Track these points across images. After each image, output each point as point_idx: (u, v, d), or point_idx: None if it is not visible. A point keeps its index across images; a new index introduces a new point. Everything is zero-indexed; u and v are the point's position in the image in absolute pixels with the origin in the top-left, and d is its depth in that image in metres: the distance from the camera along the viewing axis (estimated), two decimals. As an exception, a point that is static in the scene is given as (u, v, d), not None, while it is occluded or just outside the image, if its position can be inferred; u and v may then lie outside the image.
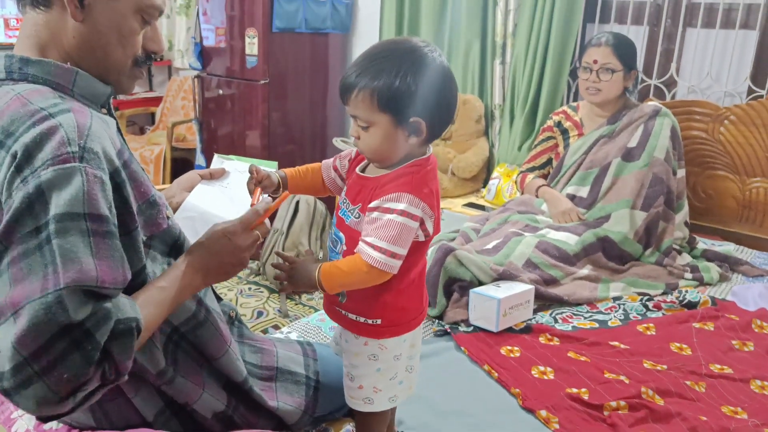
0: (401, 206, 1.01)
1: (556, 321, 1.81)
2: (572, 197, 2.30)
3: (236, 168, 1.31)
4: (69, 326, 0.77)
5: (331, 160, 1.22)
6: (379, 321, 1.11)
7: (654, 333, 1.76)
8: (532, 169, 2.54)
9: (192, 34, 4.00)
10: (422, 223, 1.05)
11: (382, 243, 1.01)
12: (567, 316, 1.85)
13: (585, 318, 1.84)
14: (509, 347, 1.63)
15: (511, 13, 3.01)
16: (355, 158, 1.18)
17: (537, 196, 2.40)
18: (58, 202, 0.79)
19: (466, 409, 1.40)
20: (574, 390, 1.44)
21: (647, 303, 1.93)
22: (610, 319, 1.84)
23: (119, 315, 0.82)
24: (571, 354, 1.61)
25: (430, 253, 1.85)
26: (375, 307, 1.10)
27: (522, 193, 2.52)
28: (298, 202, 3.17)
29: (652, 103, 2.36)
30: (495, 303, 1.68)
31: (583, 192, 2.28)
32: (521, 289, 1.77)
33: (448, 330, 1.72)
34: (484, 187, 3.19)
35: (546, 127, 2.51)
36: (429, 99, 1.02)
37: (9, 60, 0.93)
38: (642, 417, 1.37)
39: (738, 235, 2.52)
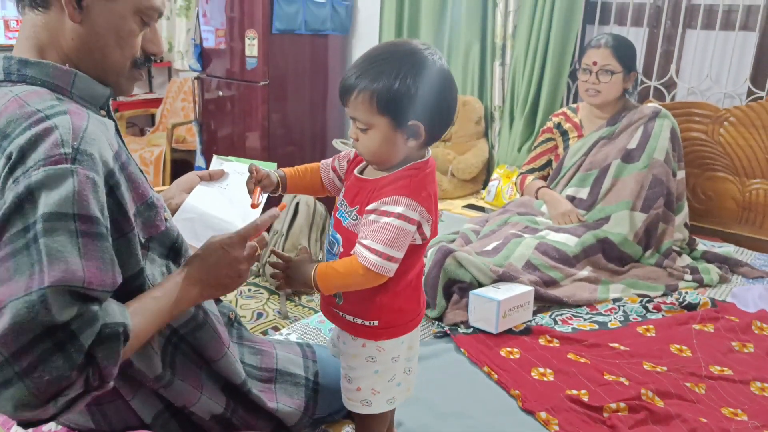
0: (399, 209, 1.01)
1: (555, 322, 1.81)
2: (572, 199, 2.30)
3: (235, 169, 1.31)
4: (53, 327, 0.75)
5: (330, 160, 1.22)
6: (376, 323, 1.11)
7: (654, 334, 1.76)
8: (531, 171, 2.54)
9: (192, 35, 4.00)
10: (419, 227, 1.05)
11: (379, 246, 1.01)
12: (567, 317, 1.84)
13: (585, 319, 1.84)
14: (509, 349, 1.63)
15: (511, 15, 3.01)
16: (353, 159, 1.18)
17: (537, 198, 2.40)
18: (47, 202, 0.78)
19: (465, 410, 1.40)
20: (574, 392, 1.44)
21: (647, 304, 1.93)
22: (610, 321, 1.84)
23: (107, 319, 0.81)
24: (570, 356, 1.61)
25: (430, 254, 1.85)
26: (372, 309, 1.10)
27: (522, 195, 2.52)
28: (297, 204, 3.17)
29: (652, 105, 2.36)
30: (495, 305, 1.68)
31: (583, 193, 2.28)
32: (521, 290, 1.77)
33: (448, 332, 1.72)
34: (483, 188, 3.19)
35: (546, 129, 2.51)
36: (428, 103, 1.02)
37: (7, 61, 0.93)
38: (642, 419, 1.37)
39: (738, 237, 2.52)
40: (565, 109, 2.50)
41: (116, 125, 1.01)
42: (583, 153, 2.32)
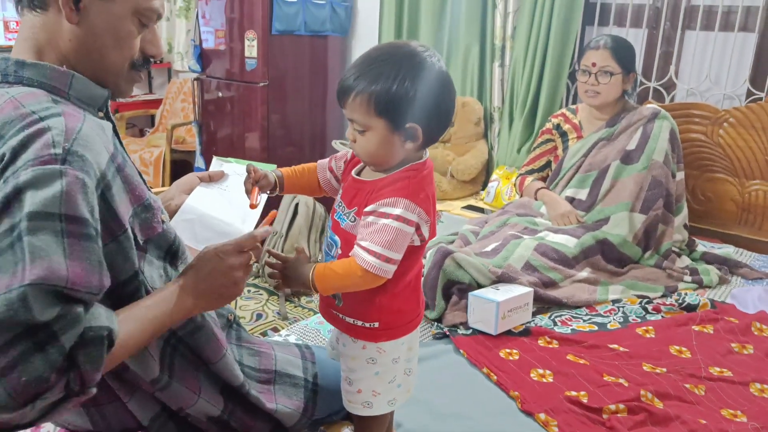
0: (397, 211, 1.01)
1: (555, 324, 1.81)
2: (571, 200, 2.30)
3: (235, 171, 1.31)
4: (33, 327, 0.73)
5: (327, 160, 1.22)
6: (376, 324, 1.10)
7: (653, 336, 1.76)
8: (531, 172, 2.54)
9: (192, 36, 4.00)
10: (418, 228, 1.05)
11: (377, 247, 1.00)
12: (566, 318, 1.84)
13: (584, 321, 1.84)
14: (508, 350, 1.63)
15: (510, 16, 3.01)
16: (350, 160, 1.18)
17: (536, 199, 2.40)
18: (33, 201, 0.77)
19: (464, 412, 1.40)
20: (573, 393, 1.44)
21: (646, 306, 1.93)
22: (609, 322, 1.83)
23: (92, 322, 0.79)
24: (570, 357, 1.61)
25: (429, 255, 1.85)
26: (372, 311, 1.10)
27: (521, 196, 2.53)
28: (297, 205, 3.17)
29: (651, 106, 2.36)
30: (494, 306, 1.68)
31: (582, 195, 2.28)
32: (520, 291, 1.76)
33: (447, 333, 1.72)
34: (483, 189, 3.19)
35: (545, 130, 2.51)
36: (426, 105, 1.02)
37: (4, 63, 0.93)
38: (641, 420, 1.36)
39: (737, 238, 2.51)
40: (564, 110, 2.50)
41: (114, 127, 1.01)
42: (583, 154, 2.32)
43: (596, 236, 2.11)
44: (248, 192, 1.14)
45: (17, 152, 0.81)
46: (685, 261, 2.22)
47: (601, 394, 1.44)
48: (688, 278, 2.11)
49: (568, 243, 2.07)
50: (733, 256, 2.30)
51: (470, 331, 1.72)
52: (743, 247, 2.46)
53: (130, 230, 0.92)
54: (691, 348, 1.68)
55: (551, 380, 1.51)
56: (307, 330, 1.72)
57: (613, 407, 1.39)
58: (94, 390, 0.81)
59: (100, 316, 0.81)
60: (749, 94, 2.62)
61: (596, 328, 1.80)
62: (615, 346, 1.67)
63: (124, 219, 0.90)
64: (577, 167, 2.32)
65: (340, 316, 1.13)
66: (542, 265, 1.97)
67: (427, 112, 1.02)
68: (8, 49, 3.91)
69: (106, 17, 0.93)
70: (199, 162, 3.79)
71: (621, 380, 1.50)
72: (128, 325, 0.87)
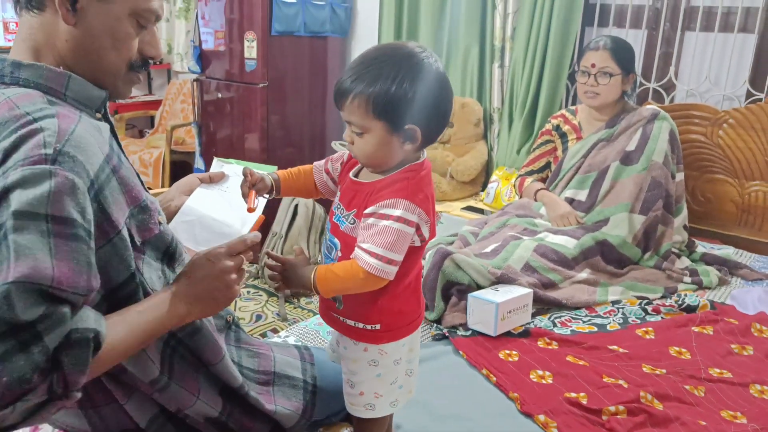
0: (397, 212, 1.01)
1: (554, 325, 1.81)
2: (571, 201, 2.30)
3: (235, 172, 1.31)
4: (16, 326, 0.72)
5: (323, 162, 1.21)
6: (378, 326, 1.10)
7: (653, 337, 1.76)
8: (530, 173, 2.54)
9: (191, 37, 4.00)
10: (418, 228, 1.05)
11: (379, 249, 1.00)
12: (566, 320, 1.84)
13: (584, 322, 1.84)
14: (507, 351, 1.63)
15: (510, 17, 3.01)
16: (347, 162, 1.17)
17: (535, 200, 2.39)
18: (19, 200, 0.76)
19: (464, 413, 1.40)
20: (573, 394, 1.44)
21: (646, 307, 1.92)
22: (609, 323, 1.83)
23: (78, 324, 0.78)
24: (569, 358, 1.61)
25: (428, 256, 1.85)
26: (373, 312, 1.09)
27: (520, 197, 2.52)
28: (296, 206, 3.17)
29: (651, 107, 2.36)
30: (493, 307, 1.67)
31: (582, 195, 2.28)
32: (519, 292, 1.76)
33: (447, 334, 1.71)
34: (482, 190, 3.18)
35: (544, 131, 2.51)
36: (425, 106, 1.01)
37: (1, 64, 0.92)
38: (641, 422, 1.36)
39: (737, 239, 2.51)
40: (563, 111, 2.50)
41: (112, 128, 1.01)
42: (582, 155, 2.32)
43: (596, 237, 2.11)
44: (245, 196, 1.13)
45: (9, 153, 0.81)
46: (684, 262, 2.22)
47: (601, 396, 1.44)
48: (687, 279, 2.11)
49: (567, 244, 2.07)
50: (732, 257, 2.30)
51: (469, 332, 1.72)
52: (743, 248, 2.46)
53: (125, 231, 0.91)
54: (691, 349, 1.68)
55: (551, 381, 1.51)
56: (307, 331, 1.72)
57: (612, 408, 1.39)
58: (78, 394, 0.80)
59: (88, 318, 0.80)
60: (749, 95, 2.62)
61: (596, 329, 1.79)
62: (614, 347, 1.67)
63: (119, 220, 0.90)
64: (577, 168, 2.32)
65: (341, 318, 1.13)
66: (542, 266, 1.97)
67: (425, 113, 1.02)
68: (8, 50, 3.90)
69: (104, 18, 0.93)
70: (199, 163, 3.79)
71: (621, 381, 1.50)
72: (118, 329, 0.85)
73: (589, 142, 2.32)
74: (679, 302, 1.94)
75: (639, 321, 1.86)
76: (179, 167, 4.07)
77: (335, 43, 3.61)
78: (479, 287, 1.81)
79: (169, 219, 1.22)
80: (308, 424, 1.23)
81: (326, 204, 3.28)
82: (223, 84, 3.53)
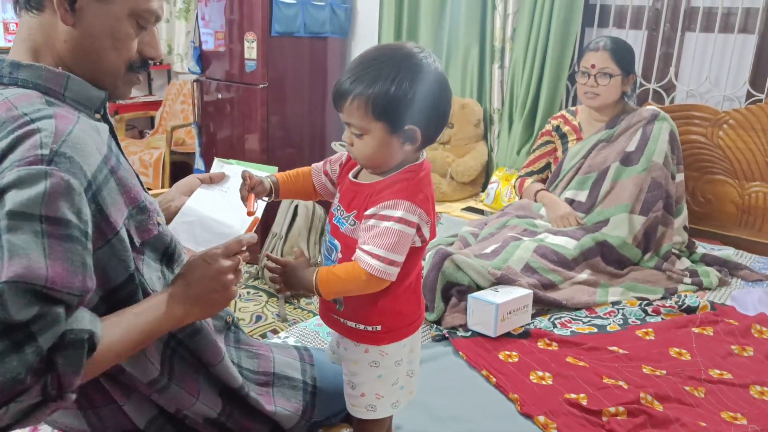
0: (398, 213, 1.01)
1: (554, 326, 1.80)
2: (571, 202, 2.30)
3: (236, 172, 1.31)
4: (10, 326, 0.71)
5: (321, 164, 1.21)
6: (378, 327, 1.10)
7: (653, 338, 1.75)
8: (530, 174, 2.54)
9: (191, 38, 4.00)
10: (419, 229, 1.05)
11: (381, 251, 1.00)
12: (566, 320, 1.84)
13: (584, 323, 1.83)
14: (507, 352, 1.63)
15: (510, 18, 3.01)
16: (346, 163, 1.17)
17: (535, 201, 2.39)
18: (14, 200, 0.76)
19: (463, 414, 1.40)
20: (573, 395, 1.44)
21: (646, 308, 1.92)
22: (609, 324, 1.83)
23: (73, 325, 0.77)
24: (569, 359, 1.61)
25: (428, 257, 1.85)
26: (374, 314, 1.09)
27: (521, 198, 2.52)
28: (296, 207, 3.17)
29: (651, 108, 2.36)
30: (493, 308, 1.67)
31: (582, 196, 2.28)
32: (519, 293, 1.76)
33: (446, 335, 1.71)
34: (482, 191, 3.18)
35: (544, 132, 2.51)
36: (424, 107, 1.01)
37: (0, 64, 0.92)
38: (641, 423, 1.36)
39: (737, 240, 2.51)
40: (563, 111, 2.50)
41: (112, 128, 1.01)
42: (582, 156, 2.32)
43: (596, 238, 2.11)
44: (244, 199, 1.13)
45: (5, 154, 0.80)
46: (684, 263, 2.22)
47: (601, 397, 1.43)
48: (687, 280, 2.11)
49: (567, 245, 2.07)
50: (733, 257, 2.29)
51: (469, 333, 1.72)
52: (743, 248, 2.46)
53: (124, 232, 0.91)
54: (691, 350, 1.68)
55: (551, 382, 1.51)
56: (306, 332, 1.72)
57: (612, 410, 1.38)
58: (73, 396, 0.79)
59: (83, 319, 0.80)
60: (749, 95, 2.62)
61: (596, 330, 1.79)
62: (614, 348, 1.67)
63: (117, 221, 0.89)
64: (577, 169, 2.32)
65: (342, 320, 1.13)
66: (542, 266, 1.97)
67: (425, 113, 1.02)
68: (8, 51, 3.91)
69: (103, 19, 0.93)
70: (199, 164, 3.79)
71: (621, 382, 1.50)
72: (113, 330, 0.85)
73: (589, 143, 2.32)
74: (679, 303, 1.94)
75: (639, 322, 1.86)
76: (179, 168, 4.07)
77: (335, 43, 3.62)
78: (479, 288, 1.81)
79: (170, 220, 1.22)
80: (308, 425, 1.23)
81: (326, 205, 3.27)
82: (223, 85, 3.53)
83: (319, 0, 3.42)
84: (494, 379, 1.52)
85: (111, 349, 0.84)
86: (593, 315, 1.89)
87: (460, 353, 1.63)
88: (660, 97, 2.82)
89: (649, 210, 2.18)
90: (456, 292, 1.80)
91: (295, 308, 3.02)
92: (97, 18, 0.92)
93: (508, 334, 1.71)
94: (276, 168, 1.29)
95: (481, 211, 2.92)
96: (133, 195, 0.94)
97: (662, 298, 2.01)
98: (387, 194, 1.03)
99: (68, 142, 0.83)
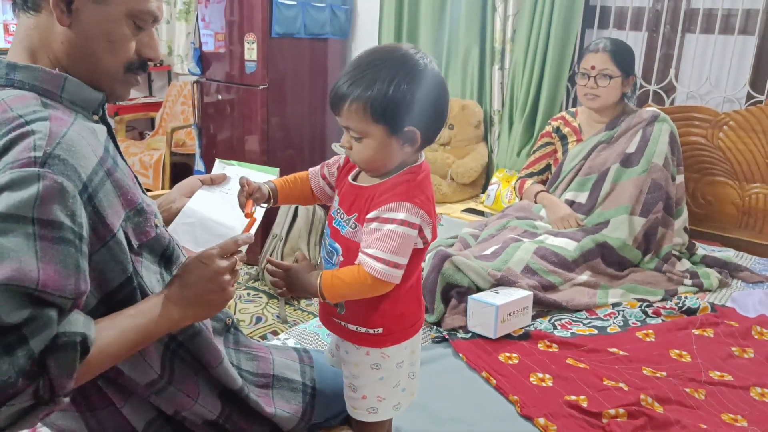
0: (401, 216, 1.01)
1: (554, 327, 1.80)
2: (571, 203, 2.29)
3: (237, 174, 1.31)
4: (1, 329, 0.71)
5: (318, 168, 1.21)
6: (380, 330, 1.10)
7: (653, 340, 1.75)
8: (530, 175, 2.53)
9: (191, 39, 4.00)
10: (421, 231, 1.05)
11: (385, 254, 1.00)
12: (566, 322, 1.84)
13: (584, 324, 1.83)
14: (507, 354, 1.63)
15: (510, 19, 3.01)
16: (343, 166, 1.17)
17: (536, 202, 2.39)
18: (6, 202, 0.75)
19: (463, 416, 1.40)
20: (573, 397, 1.44)
21: (646, 309, 1.92)
22: (609, 326, 1.83)
23: (66, 328, 0.77)
24: (569, 361, 1.60)
25: (428, 259, 1.85)
26: (375, 317, 1.09)
27: (521, 199, 2.52)
28: (297, 208, 3.17)
29: (651, 109, 2.36)
30: (493, 309, 1.67)
31: (582, 198, 2.28)
32: (519, 295, 1.76)
33: (446, 336, 1.71)
34: (483, 192, 3.18)
35: (544, 133, 2.51)
36: (423, 108, 1.01)
37: None
38: (641, 425, 1.36)
39: (737, 241, 2.51)
40: (564, 113, 2.50)
41: (110, 130, 1.00)
42: (582, 157, 2.32)
43: (596, 239, 2.11)
44: (242, 205, 1.12)
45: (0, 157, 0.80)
46: (685, 264, 2.22)
47: (601, 399, 1.43)
48: (688, 282, 2.11)
49: (567, 246, 2.07)
50: (733, 259, 2.29)
51: (469, 334, 1.71)
52: (744, 250, 2.45)
53: (121, 234, 0.90)
54: (692, 352, 1.68)
55: (551, 384, 1.50)
56: (306, 333, 1.71)
57: (612, 412, 1.38)
58: (66, 400, 0.79)
59: (77, 321, 0.79)
60: (749, 97, 2.61)
61: (596, 331, 1.79)
62: (615, 350, 1.67)
63: (114, 224, 0.89)
64: (577, 170, 2.32)
65: (343, 323, 1.13)
66: (542, 268, 1.96)
67: (423, 114, 1.02)
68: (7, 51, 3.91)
69: (99, 20, 0.92)
70: (199, 165, 3.78)
71: (621, 384, 1.49)
72: (108, 333, 0.84)
73: (589, 144, 2.32)
74: (680, 305, 1.93)
75: (639, 323, 1.85)
76: (179, 169, 4.06)
77: (335, 45, 3.62)
78: (479, 289, 1.81)
79: (171, 221, 1.22)
80: (307, 427, 1.23)
81: (326, 206, 3.27)
82: (224, 86, 3.52)
83: (320, 1, 3.42)
84: (494, 381, 1.51)
85: (106, 351, 0.84)
86: (593, 316, 1.88)
87: (460, 355, 1.63)
88: (660, 99, 2.82)
89: (650, 211, 2.18)
90: (456, 293, 1.80)
91: (295, 310, 3.02)
92: (93, 19, 0.92)
93: (508, 336, 1.71)
94: (278, 170, 1.29)
95: (481, 213, 2.92)
96: (130, 197, 0.94)
97: (662, 300, 2.01)
98: (388, 197, 1.02)
99: (62, 145, 0.82)
